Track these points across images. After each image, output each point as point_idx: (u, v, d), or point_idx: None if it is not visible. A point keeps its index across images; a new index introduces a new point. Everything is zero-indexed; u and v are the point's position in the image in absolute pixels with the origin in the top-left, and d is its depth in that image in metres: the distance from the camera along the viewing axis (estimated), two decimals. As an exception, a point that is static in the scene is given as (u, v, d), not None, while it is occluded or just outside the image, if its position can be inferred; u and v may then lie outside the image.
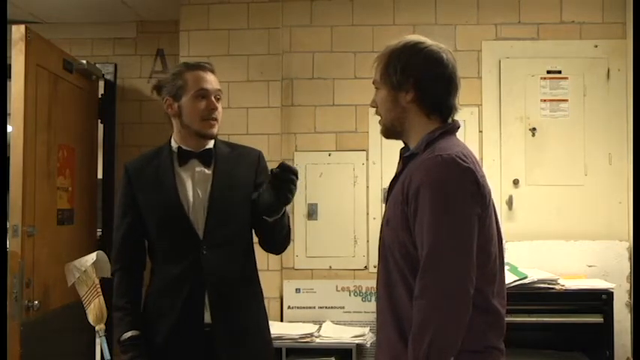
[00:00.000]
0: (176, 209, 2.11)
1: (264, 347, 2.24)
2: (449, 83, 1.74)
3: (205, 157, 2.19)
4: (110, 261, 2.40)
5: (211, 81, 2.18)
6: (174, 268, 2.13)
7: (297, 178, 2.02)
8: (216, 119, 2.17)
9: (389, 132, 1.81)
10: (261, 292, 2.28)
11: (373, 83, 1.82)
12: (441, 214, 1.58)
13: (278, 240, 2.24)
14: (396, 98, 1.74)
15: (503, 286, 1.74)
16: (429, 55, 1.73)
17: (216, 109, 2.17)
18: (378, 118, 1.83)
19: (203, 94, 2.15)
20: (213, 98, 2.17)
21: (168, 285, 2.14)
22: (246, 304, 2.17)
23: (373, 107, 1.83)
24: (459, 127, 1.78)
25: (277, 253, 2.39)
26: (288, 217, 2.20)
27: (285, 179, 1.99)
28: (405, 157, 1.78)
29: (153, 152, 2.28)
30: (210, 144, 2.22)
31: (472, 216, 1.61)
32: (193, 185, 2.16)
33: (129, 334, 2.12)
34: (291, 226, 2.27)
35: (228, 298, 2.12)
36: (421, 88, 1.72)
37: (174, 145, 2.22)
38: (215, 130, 2.18)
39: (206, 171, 2.18)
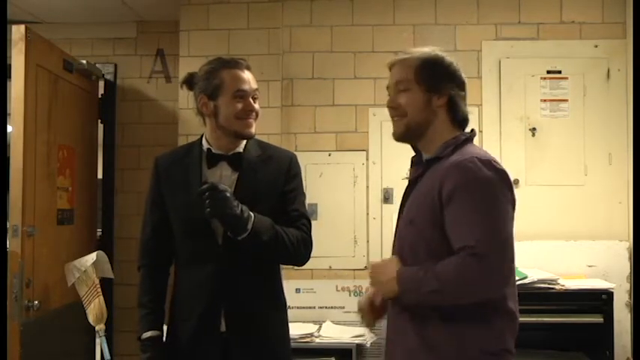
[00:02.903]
0: (198, 212, 2.02)
1: (281, 358, 2.19)
2: (465, 97, 1.84)
3: (234, 161, 2.14)
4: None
5: (249, 80, 2.12)
6: (195, 274, 2.10)
7: (209, 190, 1.96)
8: (253, 119, 2.13)
9: (409, 133, 1.82)
10: (285, 304, 2.23)
11: (397, 83, 1.82)
12: (486, 212, 1.63)
13: (275, 258, 2.18)
14: (429, 100, 1.79)
15: (516, 288, 1.77)
16: (456, 69, 1.83)
17: (253, 110, 2.12)
18: (395, 118, 1.84)
19: (241, 94, 2.09)
20: (250, 99, 2.12)
21: (188, 293, 2.12)
22: (265, 315, 2.12)
23: (392, 107, 1.84)
24: (475, 136, 1.87)
25: (297, 264, 2.28)
26: (281, 239, 2.07)
27: (202, 197, 1.97)
28: (428, 160, 1.81)
29: (185, 149, 2.25)
30: (242, 146, 2.16)
31: (511, 214, 1.68)
32: None
33: (149, 333, 2.11)
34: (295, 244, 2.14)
35: (245, 308, 2.08)
36: (453, 95, 1.79)
37: (204, 145, 2.17)
38: (253, 130, 2.13)
39: (232, 176, 2.12)
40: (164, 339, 2.16)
